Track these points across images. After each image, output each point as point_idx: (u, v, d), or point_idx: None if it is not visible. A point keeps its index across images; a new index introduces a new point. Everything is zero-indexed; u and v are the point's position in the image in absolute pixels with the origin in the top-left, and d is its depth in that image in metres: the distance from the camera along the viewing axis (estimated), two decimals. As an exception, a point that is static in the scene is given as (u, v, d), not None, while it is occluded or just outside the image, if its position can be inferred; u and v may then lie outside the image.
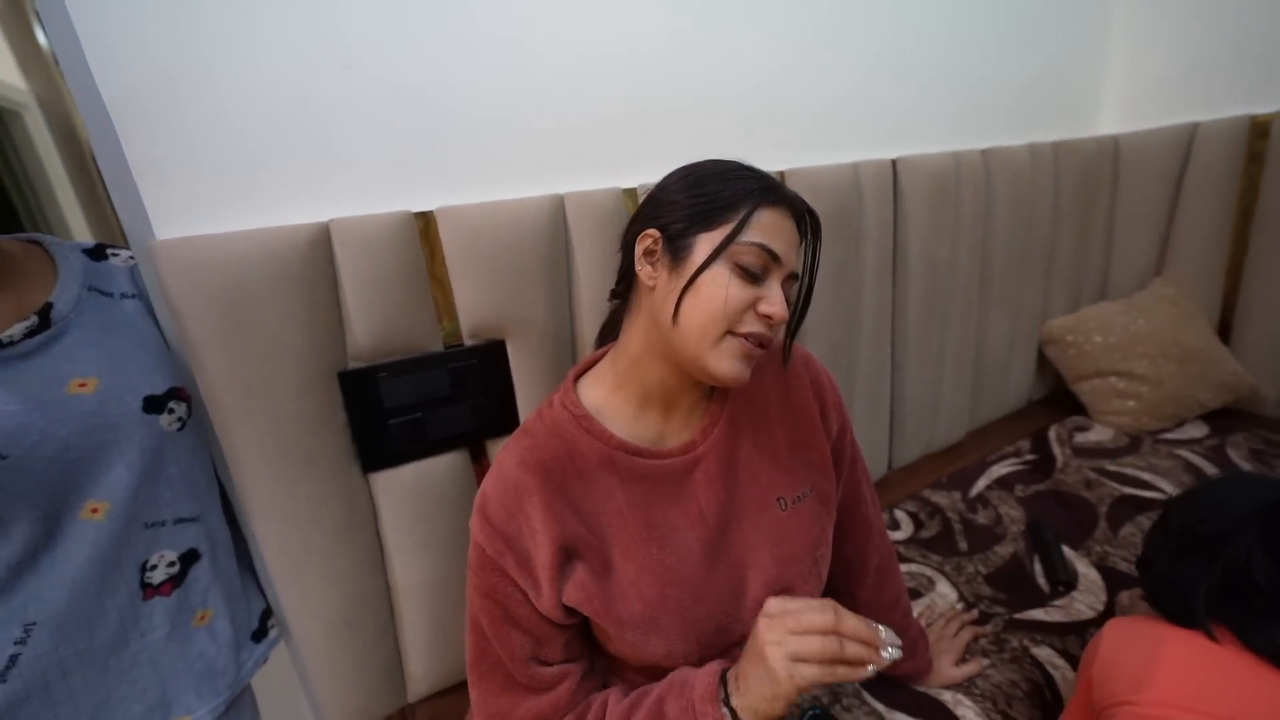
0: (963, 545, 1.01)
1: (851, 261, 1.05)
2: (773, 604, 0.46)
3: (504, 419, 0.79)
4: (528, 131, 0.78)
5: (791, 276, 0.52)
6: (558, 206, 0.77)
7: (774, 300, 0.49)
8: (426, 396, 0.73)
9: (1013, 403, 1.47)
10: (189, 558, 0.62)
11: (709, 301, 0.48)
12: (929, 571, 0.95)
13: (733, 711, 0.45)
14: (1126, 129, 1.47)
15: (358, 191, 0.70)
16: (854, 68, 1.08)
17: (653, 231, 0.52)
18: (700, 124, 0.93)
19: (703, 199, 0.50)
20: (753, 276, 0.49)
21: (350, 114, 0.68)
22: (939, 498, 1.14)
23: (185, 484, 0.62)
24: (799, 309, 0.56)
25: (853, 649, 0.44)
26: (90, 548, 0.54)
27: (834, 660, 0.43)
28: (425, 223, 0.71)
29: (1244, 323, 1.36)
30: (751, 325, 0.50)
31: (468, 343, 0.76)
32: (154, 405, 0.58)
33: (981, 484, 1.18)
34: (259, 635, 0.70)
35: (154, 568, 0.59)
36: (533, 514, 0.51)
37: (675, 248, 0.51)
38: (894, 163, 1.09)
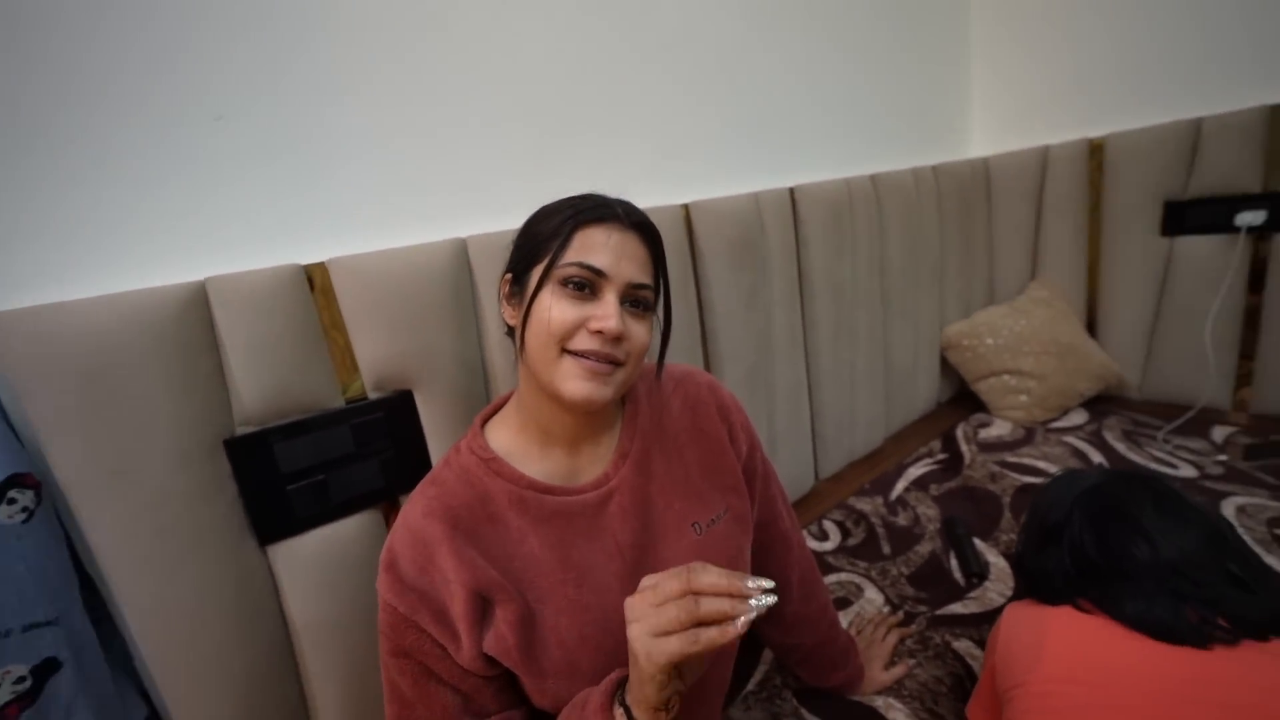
0: (886, 549, 1.05)
1: (760, 287, 1.09)
2: (644, 581, 0.42)
3: (417, 471, 0.74)
4: (425, 176, 0.78)
5: (634, 287, 0.52)
6: (460, 250, 0.76)
7: (604, 315, 0.49)
8: (329, 456, 0.69)
9: (923, 406, 1.57)
10: (45, 669, 0.54)
11: (538, 324, 0.50)
12: (857, 578, 0.98)
13: (626, 710, 0.43)
14: (994, 151, 1.64)
15: (239, 247, 0.66)
16: (749, 102, 1.15)
17: (506, 275, 0.55)
18: (604, 161, 0.96)
19: (533, 236, 0.53)
20: (580, 292, 0.50)
21: (225, 168, 0.65)
22: (863, 504, 1.19)
23: (35, 583, 0.54)
24: (664, 319, 0.59)
25: (710, 605, 0.38)
26: None
27: (693, 623, 0.38)
28: (317, 275, 0.68)
29: (1106, 318, 1.53)
30: (584, 343, 0.49)
31: (372, 396, 0.73)
32: None
33: (900, 486, 1.24)
34: None
35: None
36: (444, 564, 0.49)
37: (520, 286, 0.53)
38: (791, 191, 1.16)
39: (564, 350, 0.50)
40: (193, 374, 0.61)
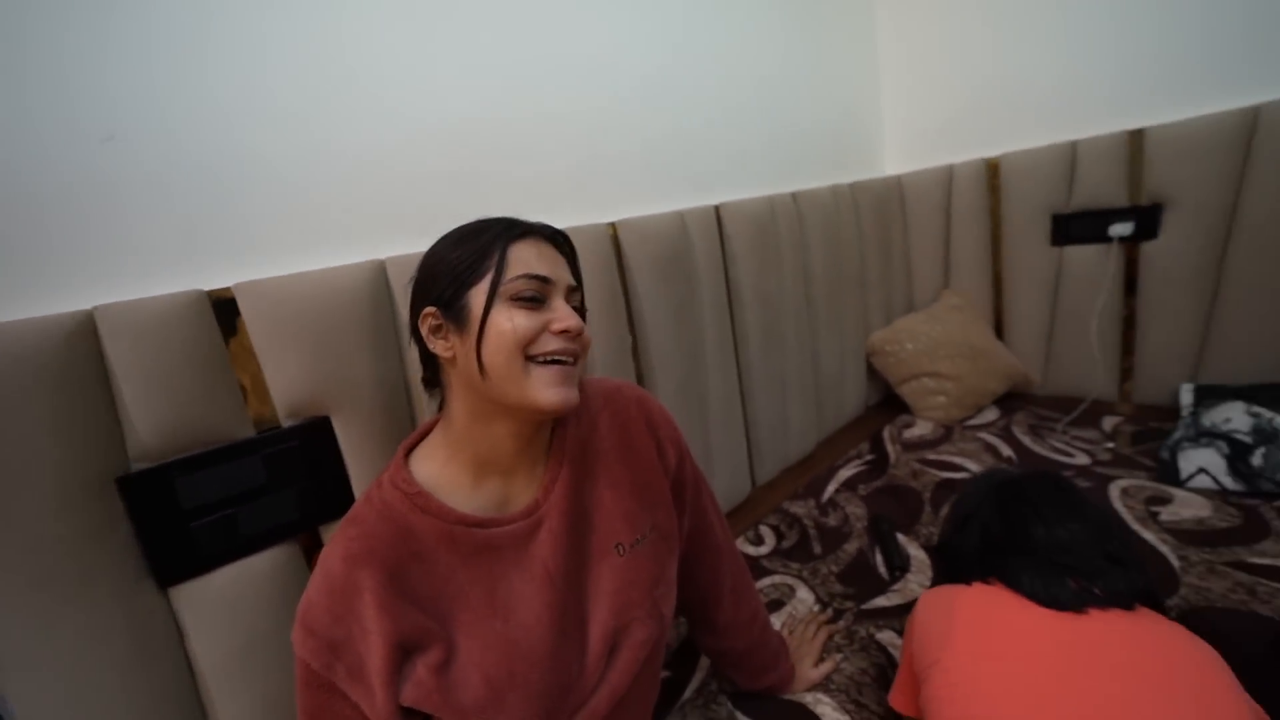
0: (817, 549, 1.09)
1: (689, 301, 1.13)
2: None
3: (336, 501, 0.73)
4: (337, 197, 0.76)
5: (571, 289, 0.56)
6: (379, 272, 0.75)
7: (562, 316, 0.52)
8: (238, 489, 0.66)
9: (852, 410, 1.65)
10: None
11: (500, 339, 0.50)
12: (790, 580, 1.02)
13: None
14: (905, 169, 1.76)
15: (132, 273, 0.63)
16: (672, 122, 1.19)
17: (430, 309, 0.53)
18: (529, 180, 0.97)
19: (459, 261, 0.53)
20: (532, 304, 0.52)
21: (117, 191, 0.62)
22: (796, 508, 1.24)
23: None
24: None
25: None
26: None
27: None
28: (220, 300, 0.66)
29: (1011, 321, 1.66)
30: (550, 344, 0.52)
31: (285, 424, 0.70)
32: None
33: (831, 488, 1.29)
34: None
35: None
36: (365, 613, 0.48)
37: (454, 312, 0.52)
38: (717, 208, 1.21)
39: (528, 359, 0.51)
40: (79, 409, 0.57)
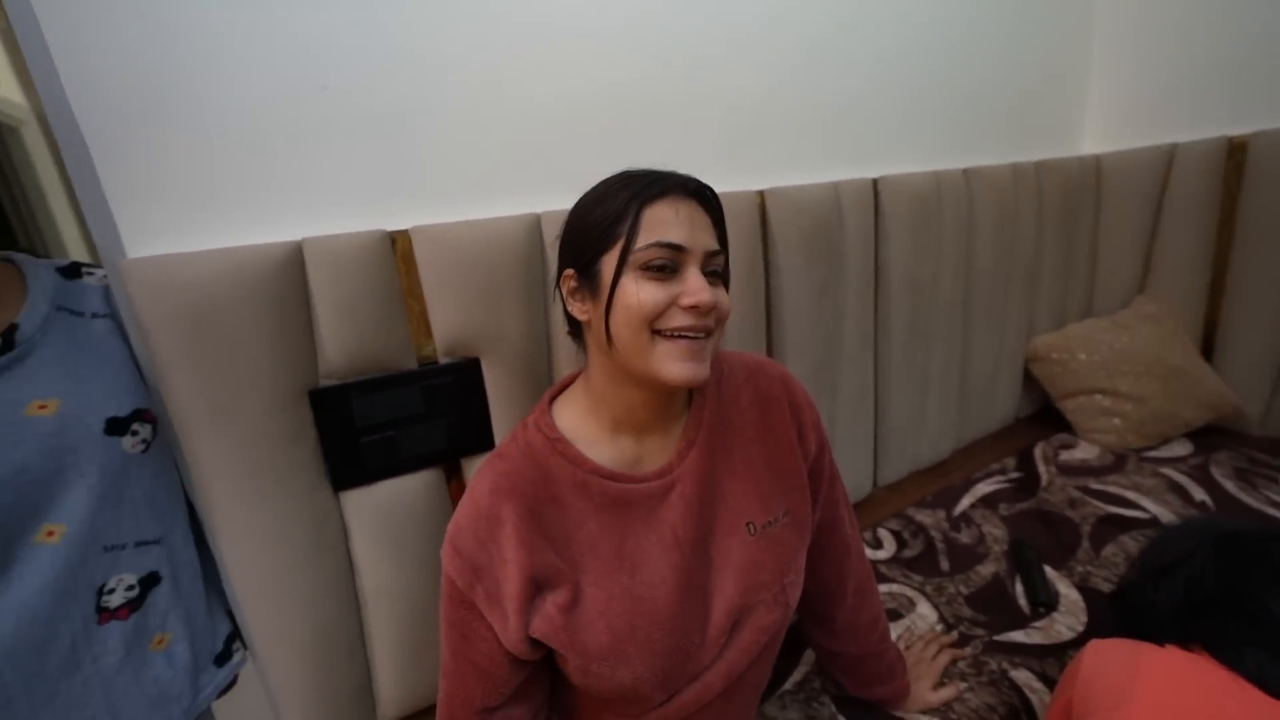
0: (945, 565, 1.00)
1: (833, 281, 1.05)
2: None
3: (478, 437, 0.78)
4: (504, 151, 0.79)
5: (710, 255, 0.51)
6: (534, 226, 0.77)
7: (693, 289, 0.49)
8: (399, 415, 0.73)
9: (999, 420, 1.47)
10: (149, 581, 0.61)
11: (626, 312, 0.49)
12: (910, 592, 0.94)
13: None
14: (1108, 149, 1.48)
15: (332, 211, 0.70)
16: (836, 87, 1.09)
17: (569, 272, 0.53)
18: (679, 143, 0.95)
19: (595, 224, 0.51)
20: (663, 273, 0.49)
21: (326, 135, 0.68)
22: (923, 516, 1.14)
23: (148, 506, 0.61)
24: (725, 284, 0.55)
25: None
26: (44, 572, 0.53)
27: None
28: (400, 242, 0.71)
29: (1227, 341, 1.36)
30: (678, 320, 0.49)
31: (443, 361, 0.76)
32: (117, 427, 0.58)
33: (966, 502, 1.17)
34: (223, 659, 0.69)
35: (111, 591, 0.58)
36: (505, 544, 0.50)
37: (589, 278, 0.52)
38: (875, 182, 1.10)
39: (655, 333, 0.49)
40: (287, 327, 0.66)
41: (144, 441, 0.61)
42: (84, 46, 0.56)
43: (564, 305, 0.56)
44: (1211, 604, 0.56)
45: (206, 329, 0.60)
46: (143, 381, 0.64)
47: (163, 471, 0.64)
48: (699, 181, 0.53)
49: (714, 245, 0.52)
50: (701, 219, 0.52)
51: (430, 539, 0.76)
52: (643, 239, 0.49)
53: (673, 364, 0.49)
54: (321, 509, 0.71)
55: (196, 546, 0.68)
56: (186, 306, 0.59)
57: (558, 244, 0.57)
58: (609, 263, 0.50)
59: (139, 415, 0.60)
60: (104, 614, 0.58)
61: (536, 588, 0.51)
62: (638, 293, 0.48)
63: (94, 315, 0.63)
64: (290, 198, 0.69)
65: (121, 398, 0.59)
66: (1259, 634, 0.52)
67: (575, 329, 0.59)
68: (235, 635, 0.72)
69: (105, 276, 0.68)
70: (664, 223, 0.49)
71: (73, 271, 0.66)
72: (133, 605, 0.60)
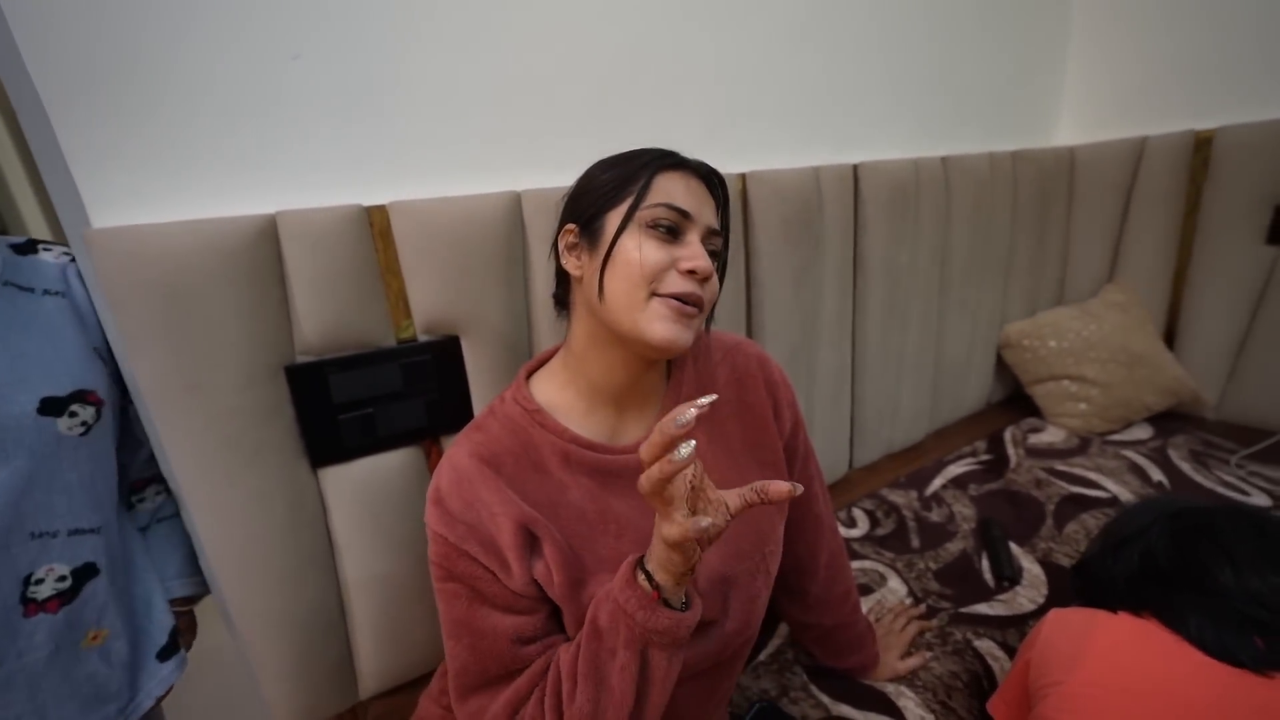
0: (915, 542, 1.03)
1: (811, 265, 1.06)
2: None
3: (458, 415, 0.78)
4: (484, 127, 0.78)
5: (712, 233, 0.53)
6: (514, 203, 0.77)
7: (693, 254, 0.50)
8: (378, 392, 0.73)
9: (971, 405, 1.51)
10: (84, 573, 0.58)
11: (626, 267, 0.49)
12: (881, 567, 0.97)
13: (649, 575, 0.44)
14: (1082, 140, 1.52)
15: (307, 184, 0.69)
16: (818, 72, 1.10)
17: (571, 225, 0.54)
18: (662, 123, 0.94)
19: (606, 181, 0.52)
20: (667, 235, 0.50)
21: (299, 106, 0.67)
22: (896, 496, 1.17)
23: (84, 493, 0.58)
24: (719, 272, 0.56)
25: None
26: None
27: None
28: (377, 217, 0.70)
29: (1188, 329, 1.41)
30: (675, 285, 0.49)
31: (421, 338, 0.76)
32: (52, 407, 0.55)
33: (937, 483, 1.20)
34: (167, 653, 0.67)
35: (40, 582, 0.55)
36: (490, 499, 0.50)
37: (591, 232, 0.52)
38: (855, 168, 1.11)
39: (652, 294, 0.50)
40: (261, 301, 0.65)
41: (84, 424, 0.58)
42: (41, 9, 0.54)
43: (557, 261, 0.57)
44: (1163, 574, 0.59)
45: (178, 302, 0.59)
46: (99, 361, 0.62)
47: (103, 457, 0.61)
48: (711, 167, 0.55)
49: (716, 224, 0.54)
50: (708, 199, 0.53)
51: (410, 515, 0.77)
52: (652, 199, 0.50)
53: (660, 324, 0.49)
54: (299, 485, 0.70)
55: (141, 535, 0.65)
56: (156, 279, 0.58)
57: (562, 204, 0.57)
58: (614, 218, 0.51)
59: (80, 397, 0.58)
60: (30, 606, 0.54)
61: (530, 536, 0.50)
62: (640, 246, 0.49)
63: (46, 292, 0.61)
64: (262, 168, 0.67)
65: (62, 377, 0.57)
66: (1204, 601, 0.55)
67: (561, 292, 0.59)
68: (179, 630, 0.70)
69: (65, 253, 0.66)
70: (676, 189, 0.51)
71: (28, 248, 0.63)
72: (64, 598, 0.57)
